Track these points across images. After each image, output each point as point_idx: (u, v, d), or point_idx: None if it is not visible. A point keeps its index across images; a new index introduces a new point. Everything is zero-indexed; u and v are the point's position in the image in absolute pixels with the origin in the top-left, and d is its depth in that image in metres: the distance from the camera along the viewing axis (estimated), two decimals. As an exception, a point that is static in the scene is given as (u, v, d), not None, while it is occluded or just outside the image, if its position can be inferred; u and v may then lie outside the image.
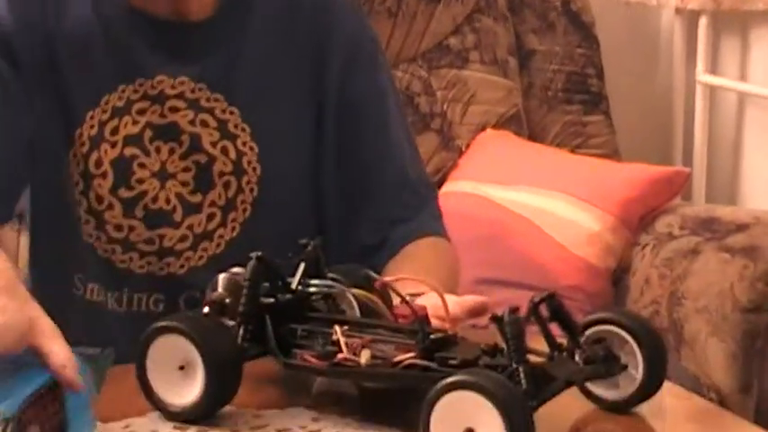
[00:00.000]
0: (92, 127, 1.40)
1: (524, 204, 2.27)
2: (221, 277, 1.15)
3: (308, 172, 1.48)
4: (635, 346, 1.08)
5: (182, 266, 1.43)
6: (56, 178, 1.43)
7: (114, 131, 1.41)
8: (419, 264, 1.41)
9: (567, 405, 1.07)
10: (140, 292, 1.42)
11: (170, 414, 1.09)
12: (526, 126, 2.49)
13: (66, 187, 1.42)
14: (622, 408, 1.10)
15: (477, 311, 1.19)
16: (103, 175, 1.41)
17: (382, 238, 1.46)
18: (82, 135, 1.41)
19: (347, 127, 1.48)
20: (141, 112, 1.41)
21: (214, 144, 1.42)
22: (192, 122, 1.42)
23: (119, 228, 1.42)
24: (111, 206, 1.41)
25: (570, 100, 2.52)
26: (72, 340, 1.01)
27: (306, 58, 1.46)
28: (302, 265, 1.15)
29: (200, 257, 1.43)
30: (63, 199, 1.42)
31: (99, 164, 1.41)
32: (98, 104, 1.40)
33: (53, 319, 1.49)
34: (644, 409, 1.11)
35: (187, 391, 1.08)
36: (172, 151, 1.42)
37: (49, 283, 1.47)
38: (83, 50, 1.41)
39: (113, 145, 1.41)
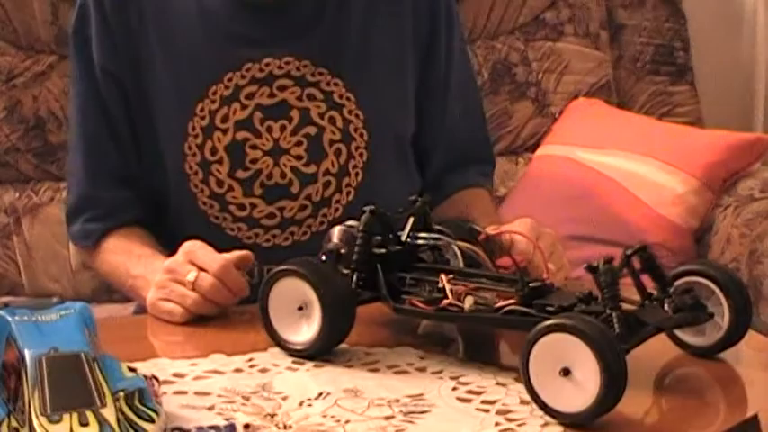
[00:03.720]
0: (202, 118, 1.40)
1: (613, 167, 2.25)
2: (337, 229, 1.17)
3: (411, 134, 1.49)
4: (721, 296, 1.08)
5: (304, 233, 1.43)
6: (174, 169, 1.42)
7: (225, 119, 1.40)
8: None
9: (657, 349, 1.07)
10: (269, 264, 1.42)
11: (289, 350, 1.11)
12: (615, 95, 2.47)
13: (186, 178, 1.42)
14: (707, 353, 1.10)
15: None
16: (220, 161, 1.41)
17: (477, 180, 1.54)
18: (195, 128, 1.41)
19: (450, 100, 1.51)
20: (250, 96, 1.40)
21: (322, 115, 1.42)
22: (299, 98, 1.41)
23: (241, 207, 1.42)
24: (231, 188, 1.42)
25: (657, 71, 2.49)
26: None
27: (409, 23, 1.45)
28: (411, 219, 1.17)
29: (321, 223, 1.43)
30: (186, 189, 1.42)
31: (214, 151, 1.41)
32: (206, 96, 1.40)
33: None
34: (727, 355, 1.11)
35: (305, 330, 1.10)
36: (283, 128, 1.41)
37: None
38: (184, 47, 1.41)
39: (225, 132, 1.41)
